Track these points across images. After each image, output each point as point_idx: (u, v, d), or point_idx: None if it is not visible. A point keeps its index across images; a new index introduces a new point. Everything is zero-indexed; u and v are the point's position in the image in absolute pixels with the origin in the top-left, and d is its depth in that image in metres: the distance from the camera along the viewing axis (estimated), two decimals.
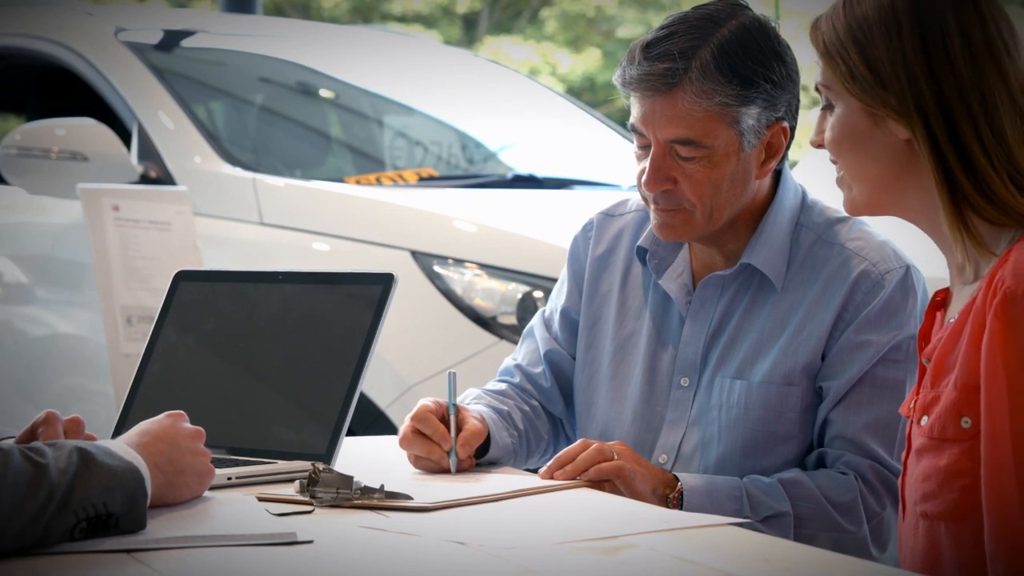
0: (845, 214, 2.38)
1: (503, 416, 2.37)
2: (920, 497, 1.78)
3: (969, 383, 1.72)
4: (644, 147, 2.30)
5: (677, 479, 2.22)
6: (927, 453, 1.77)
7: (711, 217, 2.30)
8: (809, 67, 1.99)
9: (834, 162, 1.88)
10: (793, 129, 2.33)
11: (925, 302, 2.33)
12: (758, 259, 2.33)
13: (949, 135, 1.75)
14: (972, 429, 1.72)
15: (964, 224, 1.77)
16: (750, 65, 2.25)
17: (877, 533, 2.29)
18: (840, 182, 1.88)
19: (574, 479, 2.14)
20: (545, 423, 2.48)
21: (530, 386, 2.49)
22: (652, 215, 2.34)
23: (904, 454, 1.86)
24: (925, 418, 1.78)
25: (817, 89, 1.88)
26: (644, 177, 2.29)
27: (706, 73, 2.23)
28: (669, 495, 2.19)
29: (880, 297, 2.27)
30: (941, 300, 1.87)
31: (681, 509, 2.17)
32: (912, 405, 1.84)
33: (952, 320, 1.79)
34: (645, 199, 2.34)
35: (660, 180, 2.28)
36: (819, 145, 1.88)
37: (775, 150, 2.31)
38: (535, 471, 2.22)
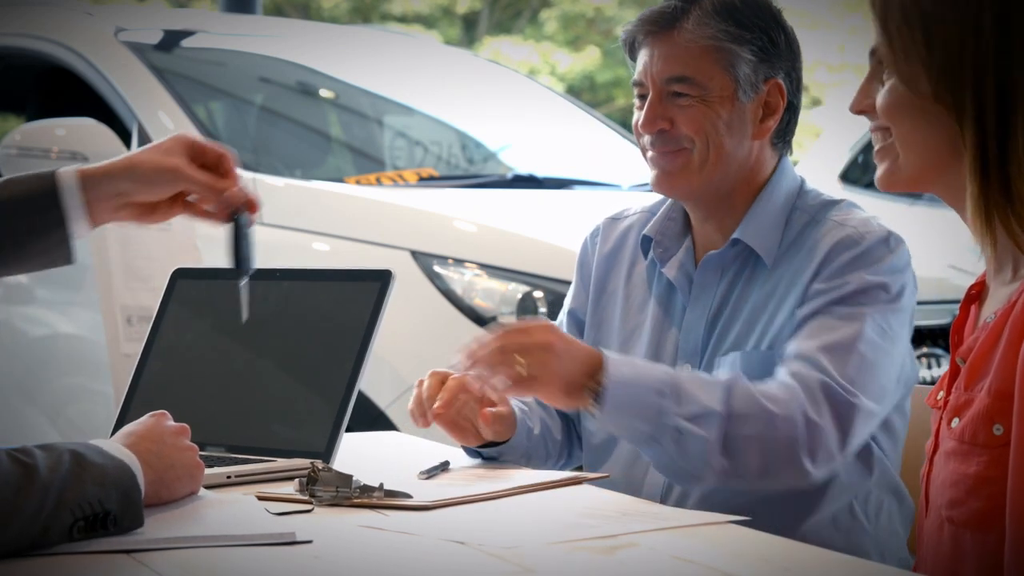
0: (839, 197, 2.40)
1: (525, 415, 2.39)
2: (946, 503, 1.74)
3: (1004, 389, 1.66)
4: (642, 97, 2.38)
5: (603, 366, 2.11)
6: (955, 457, 1.73)
7: (708, 159, 2.34)
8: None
9: (882, 128, 1.77)
10: (795, 106, 2.40)
11: (910, 270, 2.28)
12: (748, 234, 2.35)
13: (998, 123, 1.66)
14: (1004, 436, 1.67)
15: (989, 223, 1.69)
16: (748, 15, 2.35)
17: (812, 440, 2.16)
18: (883, 152, 1.78)
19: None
20: (558, 422, 2.49)
21: None
22: (651, 166, 2.39)
23: (930, 448, 1.81)
24: (956, 420, 1.73)
25: (873, 52, 1.76)
26: (640, 119, 2.37)
27: (704, 13, 2.34)
28: (588, 385, 2.10)
29: (855, 250, 2.27)
30: (976, 294, 1.81)
31: (602, 407, 2.10)
32: (940, 400, 1.80)
33: (990, 320, 1.73)
34: (644, 149, 2.39)
35: (656, 120, 2.35)
36: (860, 111, 1.79)
37: (772, 109, 2.37)
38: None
